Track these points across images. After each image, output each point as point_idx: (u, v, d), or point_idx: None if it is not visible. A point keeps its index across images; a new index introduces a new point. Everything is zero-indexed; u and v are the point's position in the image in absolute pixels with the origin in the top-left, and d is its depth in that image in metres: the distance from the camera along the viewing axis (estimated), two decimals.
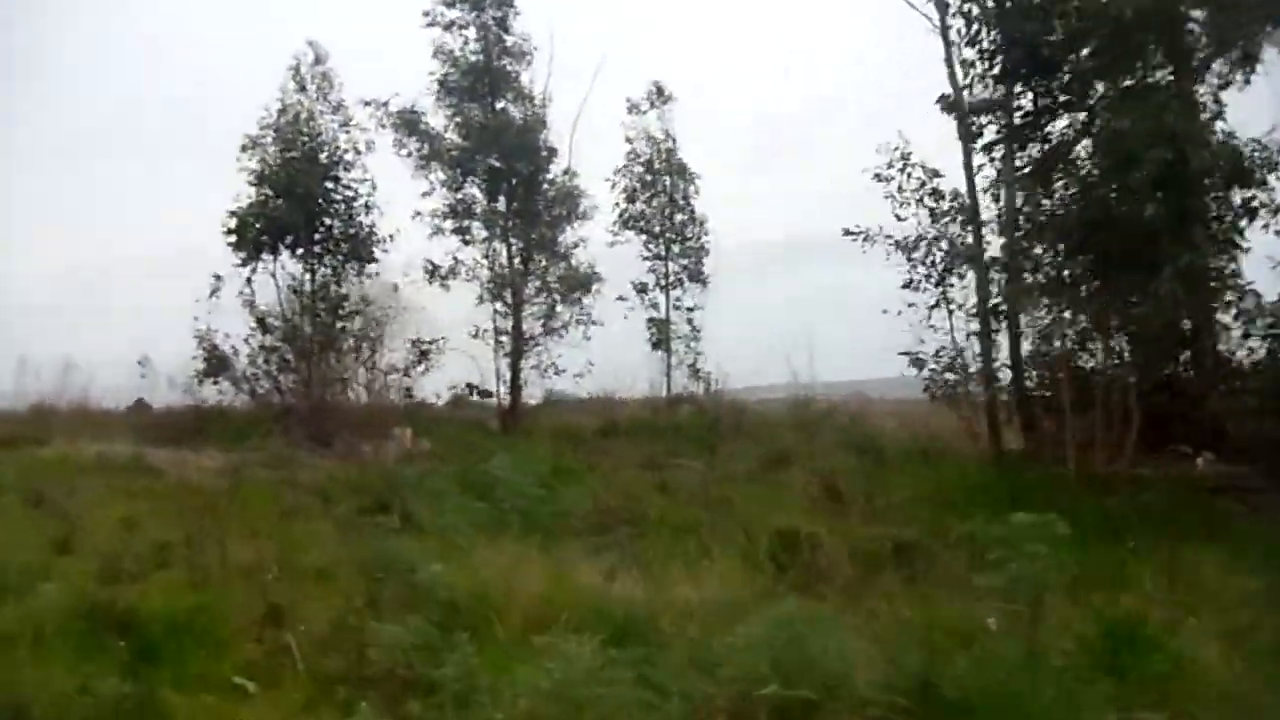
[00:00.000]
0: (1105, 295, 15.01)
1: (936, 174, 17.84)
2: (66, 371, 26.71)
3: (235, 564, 9.97)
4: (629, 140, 29.20)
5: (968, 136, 17.02)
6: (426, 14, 28.34)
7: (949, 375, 17.53)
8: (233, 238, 26.08)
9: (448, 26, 28.58)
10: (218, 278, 26.00)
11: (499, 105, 28.69)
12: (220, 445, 21.84)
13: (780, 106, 59.28)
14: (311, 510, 12.82)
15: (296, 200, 26.07)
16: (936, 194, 17.76)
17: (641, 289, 27.63)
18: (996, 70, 15.93)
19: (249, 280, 26.43)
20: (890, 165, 17.86)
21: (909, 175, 17.75)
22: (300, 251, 26.66)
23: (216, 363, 25.82)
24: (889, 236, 18.14)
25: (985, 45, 15.96)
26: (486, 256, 28.55)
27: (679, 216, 28.21)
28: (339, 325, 26.81)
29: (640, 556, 8.78)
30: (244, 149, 26.45)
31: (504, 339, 28.30)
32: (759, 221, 57.23)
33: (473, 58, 28.46)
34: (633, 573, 8.45)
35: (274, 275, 26.36)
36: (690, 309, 27.71)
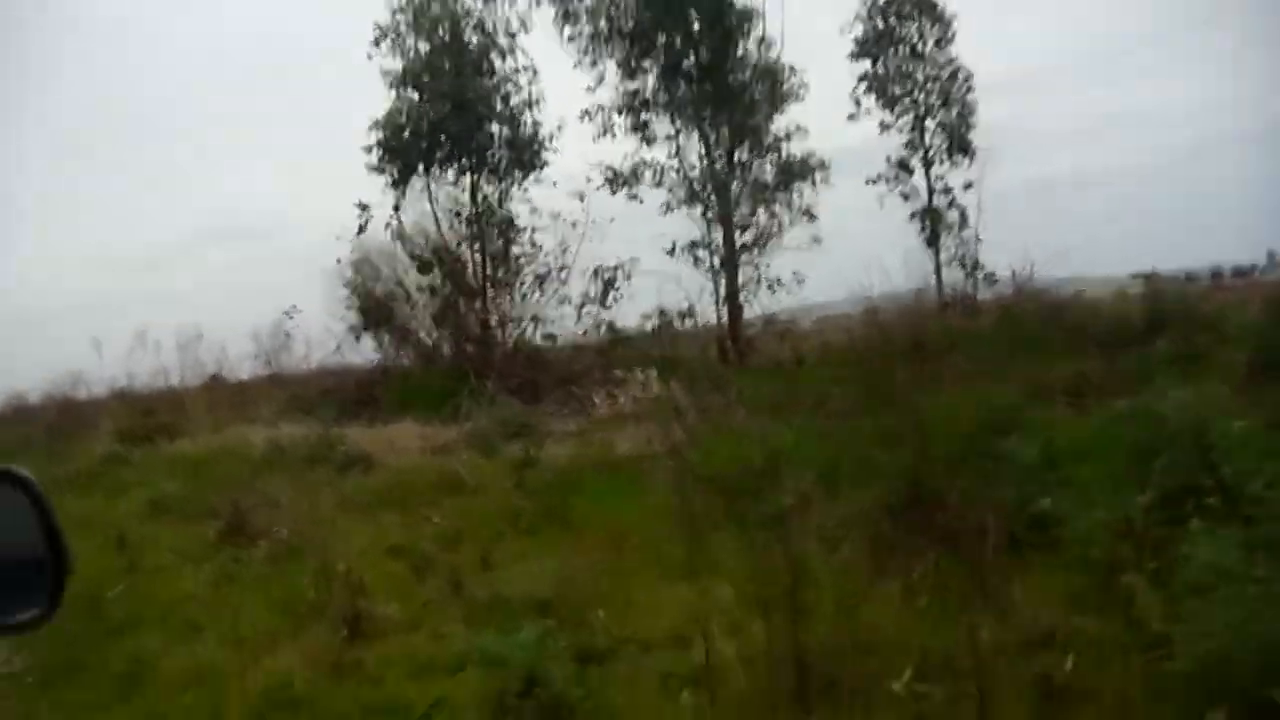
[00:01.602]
0: None
1: None
2: (192, 345, 21.70)
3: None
4: None
5: None
6: None
7: None
8: (376, 154, 20.56)
9: None
10: (364, 207, 20.59)
11: None
12: (414, 415, 16.51)
13: None
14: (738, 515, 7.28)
15: (448, 99, 20.46)
16: None
17: (902, 167, 21.43)
18: None
19: (397, 208, 21.00)
20: None
21: None
22: (457, 165, 21.09)
23: (376, 312, 20.45)
24: None
25: None
26: (675, 155, 22.67)
27: (931, 71, 21.75)
28: (514, 253, 21.26)
29: None
30: (376, 42, 20.88)
31: (703, 252, 22.52)
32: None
33: None
34: None
35: (430, 194, 20.82)
36: (951, 190, 21.30)
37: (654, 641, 5.56)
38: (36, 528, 1.54)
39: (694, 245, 22.56)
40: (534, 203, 21.36)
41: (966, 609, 5.27)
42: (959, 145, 20.96)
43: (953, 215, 20.97)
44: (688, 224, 22.34)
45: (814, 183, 22.04)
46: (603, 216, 20.82)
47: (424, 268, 20.97)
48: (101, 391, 24.45)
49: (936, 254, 21.01)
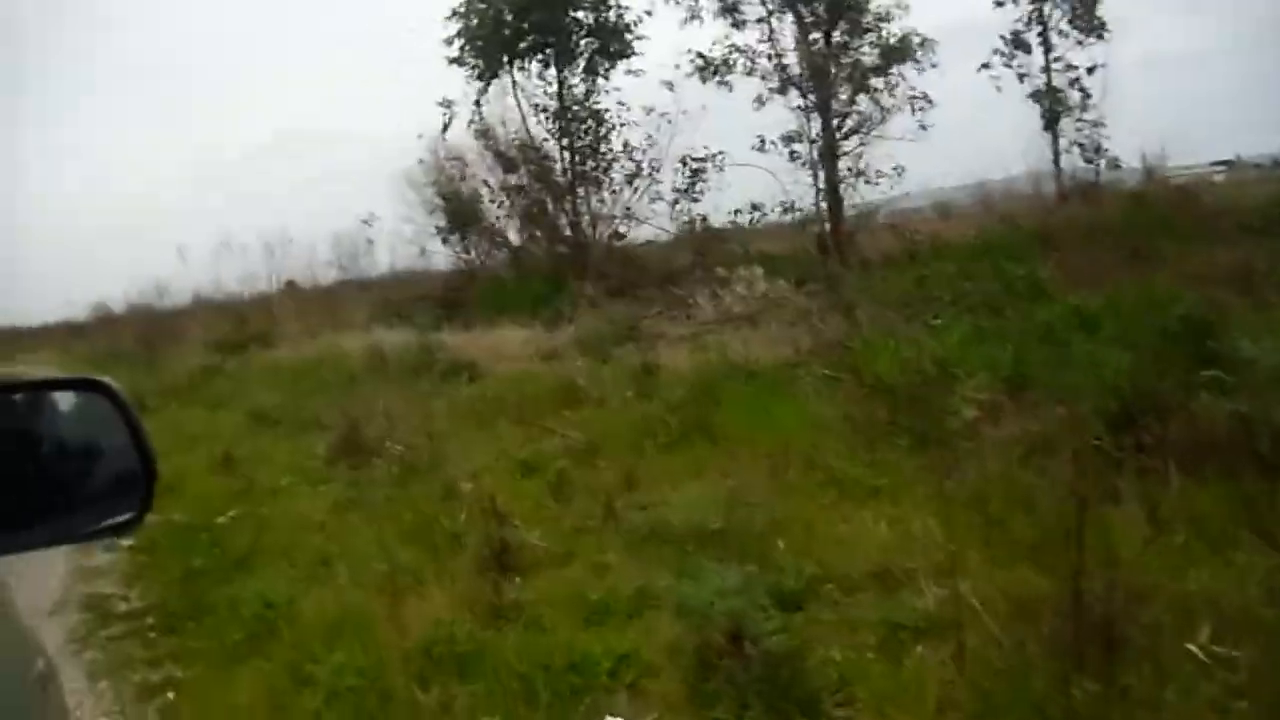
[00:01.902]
0: None
1: None
2: (278, 251, 21.30)
3: None
4: None
5: None
6: None
7: None
8: (457, 45, 19.58)
9: None
10: (448, 104, 19.70)
11: None
12: (508, 318, 15.85)
13: None
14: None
15: None
16: None
17: (1018, 44, 19.72)
18: None
19: (478, 103, 20.08)
20: None
21: None
22: (541, 56, 20.02)
23: (462, 214, 19.72)
24: None
25: None
26: (768, 39, 21.22)
27: None
28: (602, 149, 20.25)
29: None
30: None
31: (798, 146, 21.18)
32: None
33: None
34: None
35: (515, 89, 19.84)
36: (1076, 67, 19.41)
37: (855, 580, 4.78)
38: (124, 435, 1.56)
39: (789, 138, 21.23)
40: (621, 95, 20.33)
41: (1241, 546, 4.43)
42: (1086, 20, 19.06)
43: (1074, 96, 19.30)
44: (781, 119, 21.06)
45: (919, 64, 20.47)
46: (693, 108, 19.73)
47: (509, 166, 20.12)
48: (185, 300, 24.33)
49: (1055, 139, 19.46)
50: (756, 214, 20.92)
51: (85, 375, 1.66)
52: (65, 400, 1.66)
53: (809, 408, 7.46)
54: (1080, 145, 19.43)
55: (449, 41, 19.79)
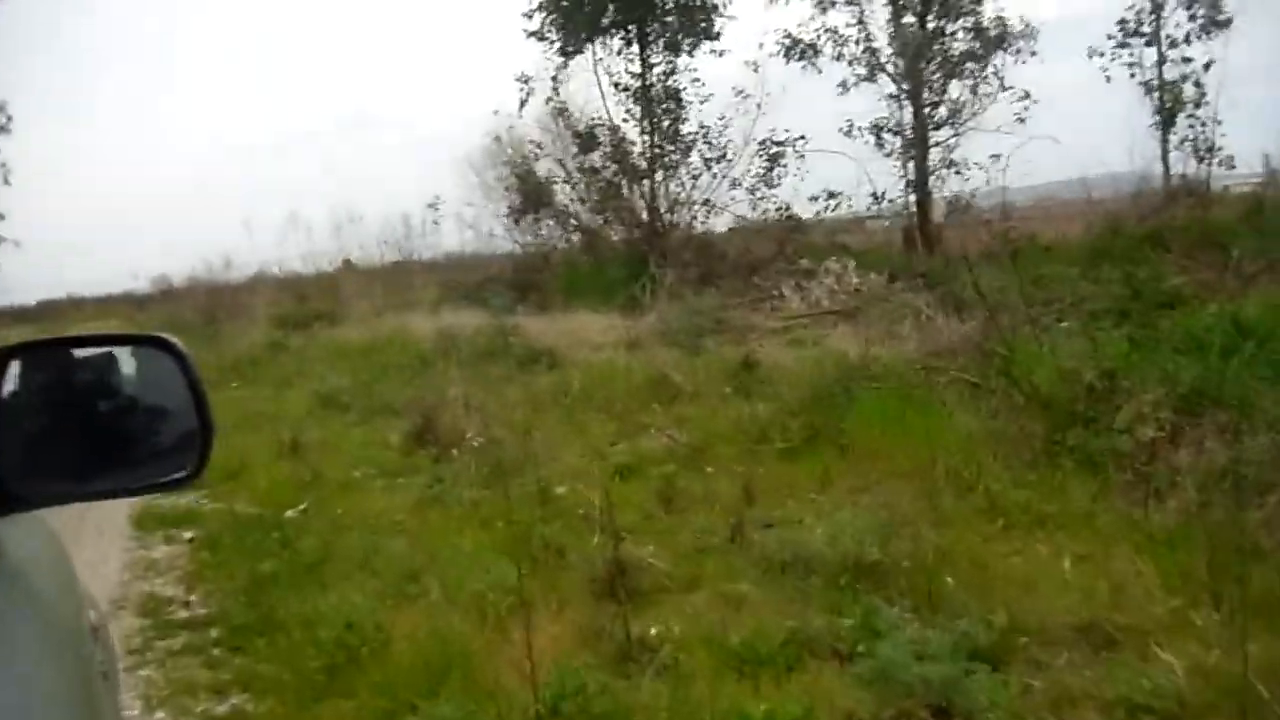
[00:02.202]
0: None
1: None
2: (344, 227, 20.78)
3: None
4: None
5: None
6: None
7: None
8: (538, 18, 18.85)
9: None
10: (526, 81, 18.99)
11: None
12: (583, 304, 15.12)
13: None
14: None
15: None
16: None
17: (1132, 31, 18.42)
18: None
19: (555, 79, 19.33)
20: None
21: None
22: (625, 33, 19.24)
23: (535, 195, 18.99)
24: None
25: None
26: (858, 22, 20.18)
27: None
28: (683, 132, 19.41)
29: None
30: None
31: (887, 135, 20.15)
32: None
33: None
34: None
35: (598, 67, 19.13)
36: (1191, 60, 18.04)
37: (1055, 634, 3.94)
38: (185, 393, 1.55)
39: (878, 127, 20.18)
40: (702, 77, 19.49)
41: None
42: (1209, 17, 17.69)
43: (1189, 91, 18.01)
44: (867, 105, 20.06)
45: (1018, 52, 19.35)
46: (775, 89, 18.87)
47: (586, 146, 19.35)
48: (247, 275, 23.92)
49: (1165, 136, 18.19)
50: (834, 202, 19.87)
51: (152, 333, 1.67)
52: (132, 356, 1.67)
53: (952, 418, 6.60)
54: (1193, 143, 18.14)
55: (529, 15, 19.05)
